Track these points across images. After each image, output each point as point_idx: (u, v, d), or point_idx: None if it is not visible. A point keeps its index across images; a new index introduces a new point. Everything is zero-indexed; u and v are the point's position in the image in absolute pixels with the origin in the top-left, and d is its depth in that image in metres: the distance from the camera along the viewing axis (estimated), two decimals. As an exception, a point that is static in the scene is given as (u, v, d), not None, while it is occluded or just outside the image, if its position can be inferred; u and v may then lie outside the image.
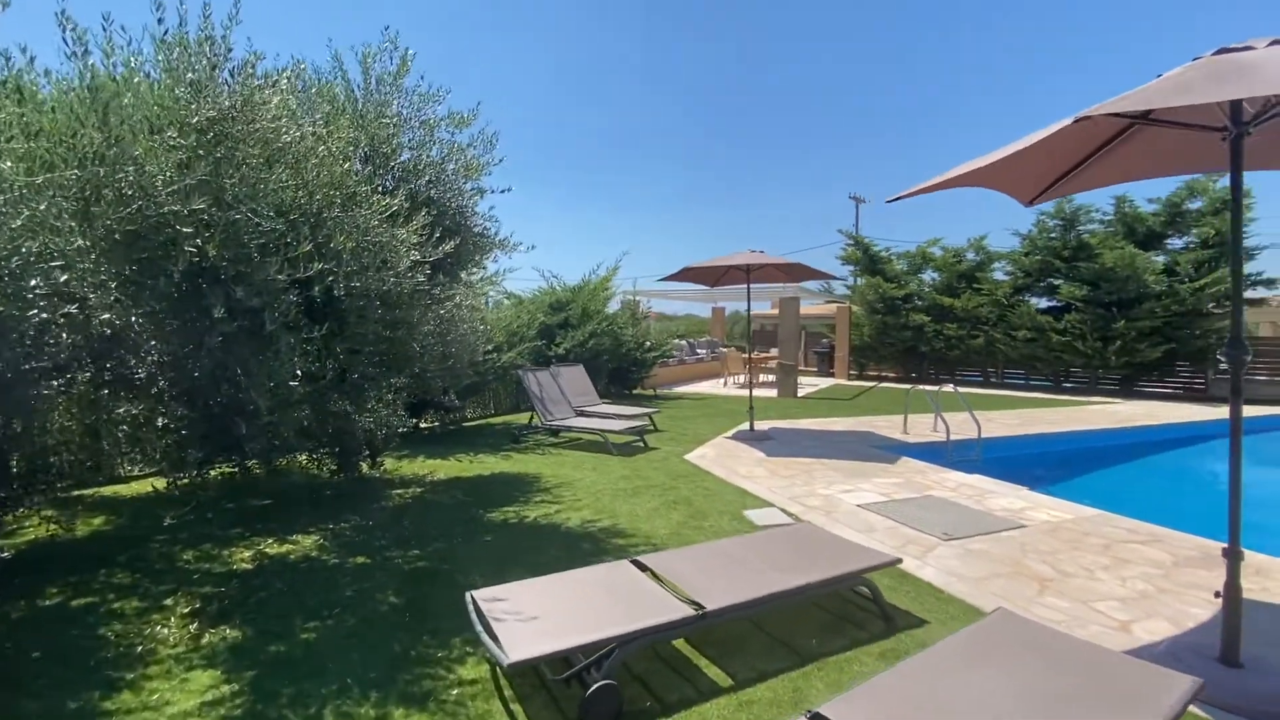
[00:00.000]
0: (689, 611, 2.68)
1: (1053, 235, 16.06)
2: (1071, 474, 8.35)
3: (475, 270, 5.37)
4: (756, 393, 14.44)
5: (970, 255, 17.86)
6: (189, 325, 3.36)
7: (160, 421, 4.03)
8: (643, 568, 3.24)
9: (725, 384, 16.23)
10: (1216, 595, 2.72)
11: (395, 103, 4.21)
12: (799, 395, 14.03)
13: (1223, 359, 2.62)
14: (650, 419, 9.08)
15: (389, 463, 6.75)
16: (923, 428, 9.24)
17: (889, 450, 7.91)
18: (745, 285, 9.23)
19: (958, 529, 4.72)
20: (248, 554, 4.21)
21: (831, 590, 3.18)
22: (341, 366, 4.14)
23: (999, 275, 17.44)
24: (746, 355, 16.64)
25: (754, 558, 3.34)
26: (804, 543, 3.58)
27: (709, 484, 6.06)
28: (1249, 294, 14.45)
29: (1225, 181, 13.94)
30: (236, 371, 3.42)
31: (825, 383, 17.64)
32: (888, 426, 9.61)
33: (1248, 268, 13.88)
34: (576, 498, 5.57)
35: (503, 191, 4.73)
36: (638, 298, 15.06)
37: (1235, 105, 2.53)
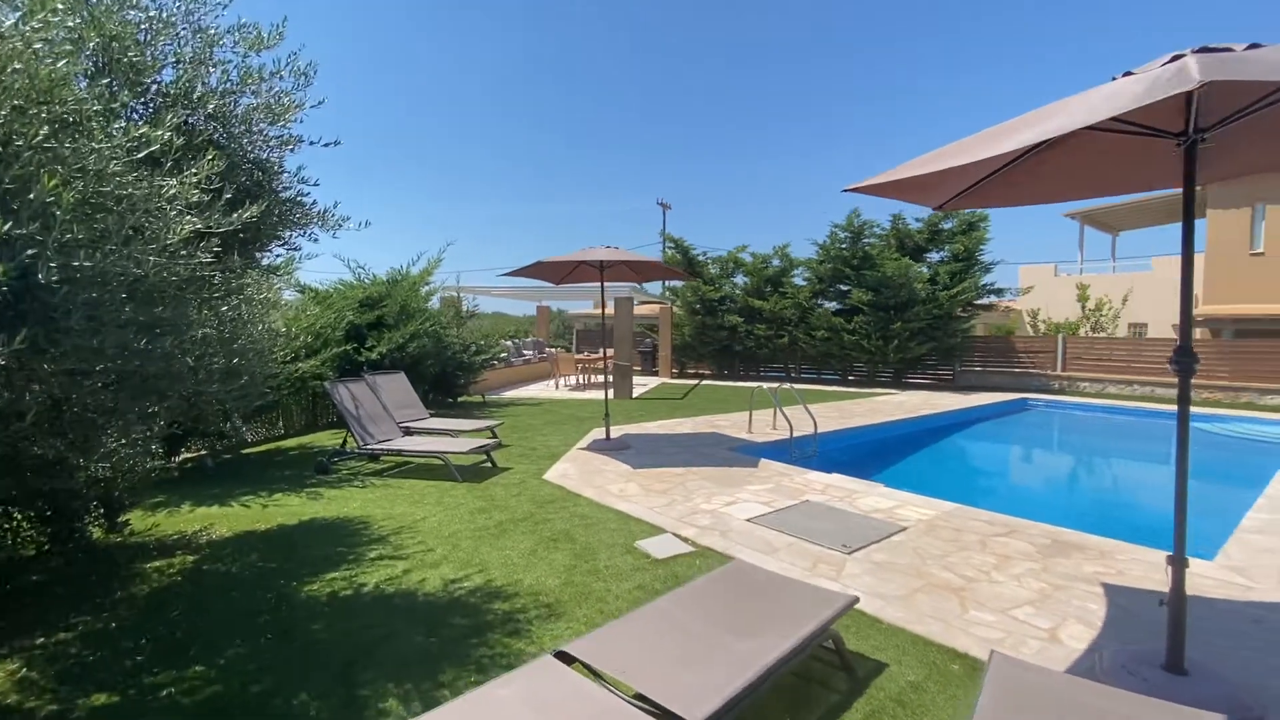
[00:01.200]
0: (671, 732, 1.94)
1: (843, 246, 18.01)
2: (899, 461, 9.16)
3: (280, 251, 3.93)
4: (591, 394, 13.95)
5: (775, 261, 19.35)
6: None
7: None
8: (570, 660, 2.40)
9: (557, 386, 15.45)
10: (1162, 604, 2.73)
11: (150, -9, 2.73)
12: (634, 396, 13.82)
13: (1172, 366, 2.60)
14: (493, 433, 7.99)
15: (137, 520, 4.84)
16: (759, 425, 9.46)
17: (744, 452, 7.87)
18: (578, 283, 8.60)
19: (852, 539, 4.59)
20: None
21: (807, 652, 2.66)
22: (55, 397, 2.60)
23: (799, 280, 19.16)
24: (600, 356, 16.07)
25: (704, 621, 2.69)
26: (748, 589, 3.03)
27: (584, 510, 5.29)
28: (982, 300, 17.62)
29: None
30: None
31: (653, 382, 17.78)
32: (730, 426, 9.70)
33: (983, 279, 16.91)
34: (426, 547, 4.42)
35: (327, 145, 3.40)
36: (460, 294, 13.58)
37: (1191, 110, 2.50)
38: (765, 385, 9.56)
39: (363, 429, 6.87)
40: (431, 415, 8.57)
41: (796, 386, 16.67)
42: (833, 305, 18.31)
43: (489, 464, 6.84)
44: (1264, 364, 14.36)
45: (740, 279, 19.90)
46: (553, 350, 17.85)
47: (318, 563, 4.11)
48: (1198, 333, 17.92)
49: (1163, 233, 26.75)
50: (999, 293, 17.38)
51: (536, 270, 7.55)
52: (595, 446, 7.80)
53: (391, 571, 3.96)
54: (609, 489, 5.93)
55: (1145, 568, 4.09)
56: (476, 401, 12.71)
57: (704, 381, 18.44)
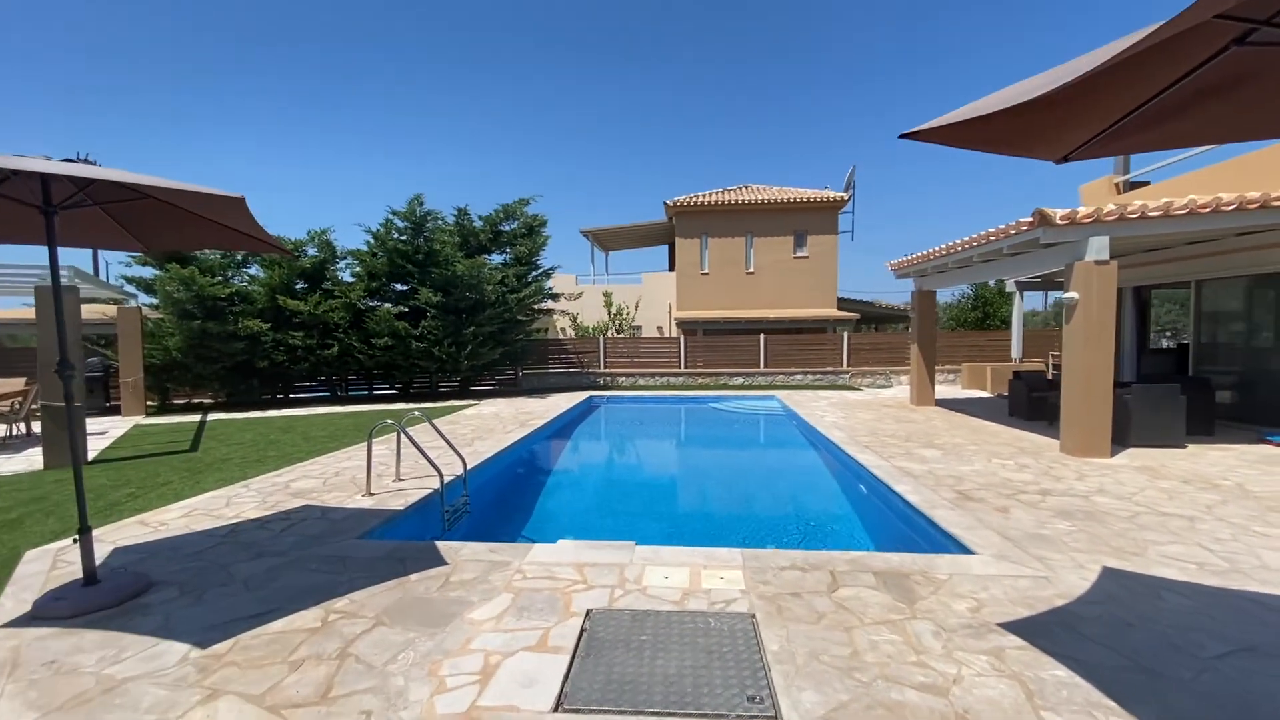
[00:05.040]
0: None
1: (402, 237, 15.38)
2: (564, 491, 7.49)
3: None
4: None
5: (311, 250, 15.14)
6: None
7: None
8: None
9: None
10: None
11: None
12: (92, 459, 8.02)
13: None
14: None
15: None
16: (353, 473, 6.40)
17: (391, 535, 4.92)
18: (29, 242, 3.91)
19: (735, 675, 2.79)
20: None
21: None
22: None
23: (348, 277, 15.52)
24: (13, 391, 8.49)
25: None
26: None
27: None
28: (543, 305, 17.91)
29: (532, 209, 16.70)
30: None
31: (116, 426, 11.15)
32: (323, 487, 6.26)
33: (545, 283, 17.11)
34: None
35: None
36: None
37: None
38: (386, 416, 6.52)
39: None
40: None
41: (346, 409, 13.08)
42: (394, 307, 15.41)
43: None
44: (722, 354, 19.10)
45: (257, 270, 14.78)
46: None
47: None
48: (680, 333, 22.76)
49: (644, 253, 33.67)
50: (555, 297, 17.98)
51: None
52: (54, 605, 3.43)
53: None
54: (169, 749, 2.33)
55: (974, 584, 3.73)
56: None
57: (211, 415, 12.78)
